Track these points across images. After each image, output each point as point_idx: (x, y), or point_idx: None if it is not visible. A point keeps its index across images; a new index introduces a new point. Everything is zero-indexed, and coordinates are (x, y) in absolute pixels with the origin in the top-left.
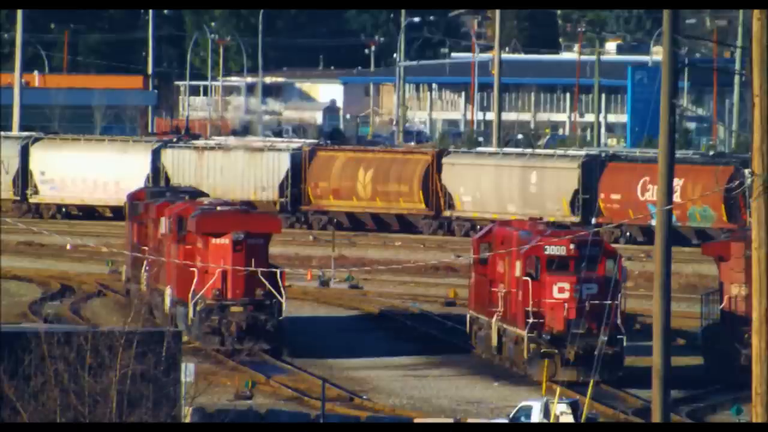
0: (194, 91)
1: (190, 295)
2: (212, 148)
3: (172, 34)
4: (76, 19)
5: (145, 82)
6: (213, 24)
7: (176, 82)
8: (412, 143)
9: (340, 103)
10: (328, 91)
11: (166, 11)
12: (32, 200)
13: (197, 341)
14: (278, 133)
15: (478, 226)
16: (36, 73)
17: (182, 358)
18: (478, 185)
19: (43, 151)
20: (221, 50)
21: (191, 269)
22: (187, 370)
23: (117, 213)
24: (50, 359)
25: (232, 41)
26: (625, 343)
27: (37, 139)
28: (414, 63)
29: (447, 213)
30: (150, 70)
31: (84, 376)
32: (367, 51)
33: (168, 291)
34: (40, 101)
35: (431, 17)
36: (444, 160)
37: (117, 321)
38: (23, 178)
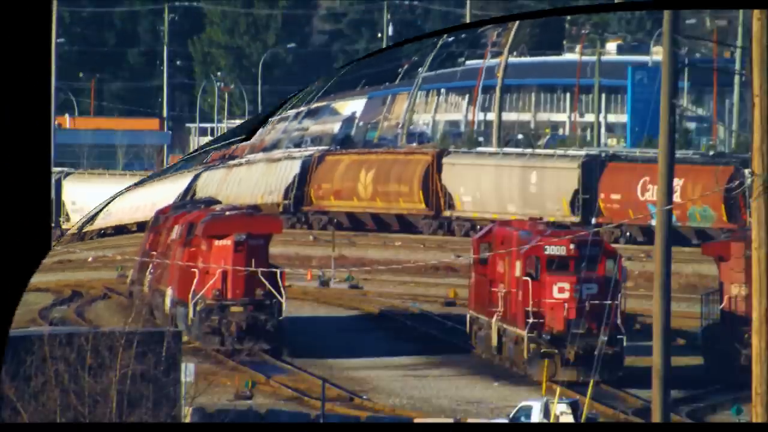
0: (203, 132)
1: (190, 296)
2: (239, 165)
3: (184, 82)
4: (102, 69)
5: (160, 124)
6: (219, 73)
7: (187, 125)
8: (414, 144)
9: (359, 114)
10: (353, 105)
11: (179, 62)
12: (65, 227)
13: (197, 341)
14: (298, 144)
15: (478, 226)
16: (67, 116)
17: (182, 358)
18: (478, 185)
19: (74, 184)
20: (226, 96)
21: (192, 270)
22: (187, 370)
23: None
24: (51, 360)
25: (236, 88)
26: (625, 343)
27: (68, 174)
28: (432, 73)
29: (447, 213)
30: (165, 114)
31: (84, 376)
32: (400, 70)
33: (168, 291)
34: (70, 141)
35: (463, 35)
36: (444, 160)
37: (119, 322)
38: (57, 207)
